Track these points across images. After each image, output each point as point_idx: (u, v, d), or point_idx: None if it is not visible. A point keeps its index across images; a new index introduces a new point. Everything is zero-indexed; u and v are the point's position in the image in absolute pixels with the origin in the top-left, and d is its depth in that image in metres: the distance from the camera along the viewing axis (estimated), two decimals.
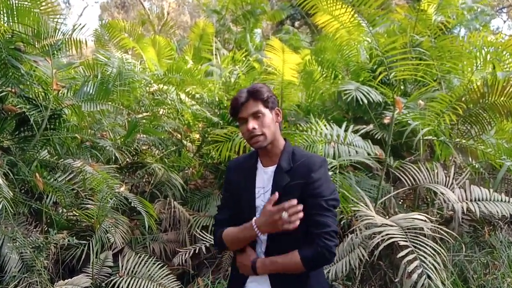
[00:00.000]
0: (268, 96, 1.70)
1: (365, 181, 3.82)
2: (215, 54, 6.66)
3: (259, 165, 1.77)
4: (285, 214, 1.62)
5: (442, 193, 3.22)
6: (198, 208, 4.17)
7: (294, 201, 1.62)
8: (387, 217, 3.34)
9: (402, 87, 4.57)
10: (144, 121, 4.12)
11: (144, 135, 4.34)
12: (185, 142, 4.75)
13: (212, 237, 1.85)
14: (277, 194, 1.68)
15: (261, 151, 1.76)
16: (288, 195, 1.65)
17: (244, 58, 6.43)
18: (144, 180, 4.26)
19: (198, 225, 3.77)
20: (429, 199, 3.88)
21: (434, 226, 2.72)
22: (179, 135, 4.70)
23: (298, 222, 1.60)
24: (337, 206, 1.71)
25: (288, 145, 1.77)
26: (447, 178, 3.42)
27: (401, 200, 4.22)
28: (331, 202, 1.68)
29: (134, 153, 4.26)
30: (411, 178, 3.42)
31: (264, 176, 1.74)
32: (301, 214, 1.61)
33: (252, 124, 1.66)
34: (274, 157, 1.75)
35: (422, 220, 2.72)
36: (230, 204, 1.81)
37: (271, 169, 1.74)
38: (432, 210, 3.64)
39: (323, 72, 4.76)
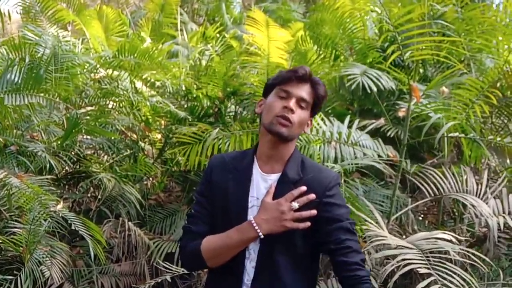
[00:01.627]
0: (323, 99, 1.81)
1: (375, 191, 3.87)
2: (181, 30, 6.68)
3: (256, 169, 1.82)
4: (295, 204, 1.71)
5: (473, 205, 3.26)
6: (161, 230, 4.17)
7: (303, 188, 1.72)
8: (403, 237, 3.37)
9: (420, 71, 4.59)
10: (88, 117, 4.09)
11: (89, 136, 4.32)
12: (142, 145, 4.74)
13: (180, 253, 1.86)
14: (273, 186, 1.77)
15: (265, 151, 1.81)
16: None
17: (218, 35, 6.44)
18: (89, 195, 4.24)
19: (160, 253, 3.77)
20: (456, 213, 3.90)
21: (463, 250, 2.76)
22: (134, 136, 4.68)
23: (309, 223, 1.71)
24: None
25: (297, 153, 1.84)
26: (479, 186, 3.45)
27: (421, 215, 4.25)
28: (352, 225, 1.77)
29: (76, 159, 4.23)
30: (433, 187, 3.46)
31: (262, 184, 1.79)
32: (314, 212, 1.72)
33: (293, 105, 1.74)
34: (278, 163, 1.81)
35: (447, 240, 2.77)
36: (207, 213, 1.84)
37: (273, 177, 1.79)
38: (461, 227, 3.69)
39: (320, 52, 4.77)
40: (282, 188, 1.76)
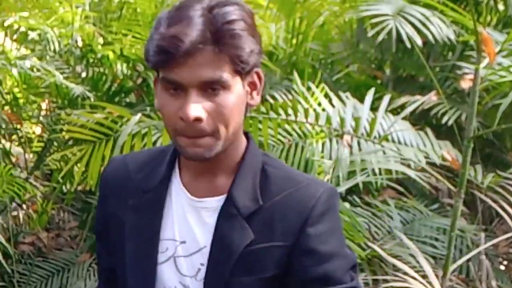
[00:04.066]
0: (251, 50, 1.69)
1: (422, 221, 3.96)
2: None
3: (178, 186, 1.78)
4: None
5: None
6: None
7: None
8: None
9: (499, 8, 4.71)
10: None
11: None
12: (6, 145, 4.77)
13: None
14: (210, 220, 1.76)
15: (190, 161, 1.77)
16: (250, 276, 1.70)
17: None
18: None
19: None
20: None
21: None
22: None
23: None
24: None
25: (253, 152, 1.80)
26: None
27: (504, 262, 4.36)
28: None
29: None
30: None
31: (190, 215, 1.76)
32: None
33: (196, 107, 1.64)
34: (220, 177, 1.77)
35: None
36: (107, 270, 1.89)
37: (212, 203, 1.76)
38: None
39: None
40: (227, 225, 1.70)
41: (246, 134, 1.81)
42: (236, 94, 1.67)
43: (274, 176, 1.75)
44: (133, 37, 4.56)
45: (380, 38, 4.04)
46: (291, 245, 1.68)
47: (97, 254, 1.99)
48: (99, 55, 4.67)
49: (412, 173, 3.57)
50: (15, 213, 4.59)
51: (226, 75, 1.63)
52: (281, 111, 3.67)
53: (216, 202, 1.73)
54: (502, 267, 4.30)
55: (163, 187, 1.78)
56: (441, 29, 4.11)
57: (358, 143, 3.65)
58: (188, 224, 1.74)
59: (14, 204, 4.52)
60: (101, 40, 4.81)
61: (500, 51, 3.53)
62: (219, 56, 1.62)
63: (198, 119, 1.61)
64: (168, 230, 1.75)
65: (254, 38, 1.68)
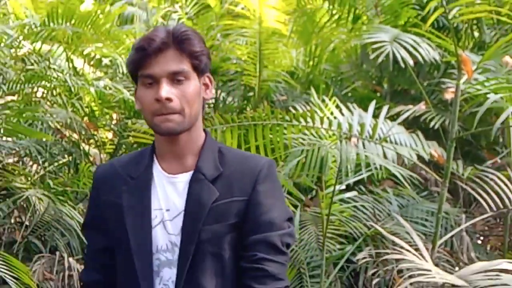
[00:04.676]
0: (202, 50, 1.96)
1: (414, 206, 4.34)
2: None
3: (158, 170, 2.01)
4: None
5: None
6: None
7: None
8: (456, 268, 3.76)
9: (475, 34, 4.98)
10: (8, 111, 4.19)
11: (9, 138, 4.47)
12: (86, 148, 4.98)
13: None
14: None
15: (164, 147, 2.01)
16: (218, 223, 1.93)
17: None
18: (12, 221, 4.41)
19: None
20: None
21: None
22: (74, 136, 4.93)
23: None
24: (292, 245, 2.02)
25: (211, 142, 2.05)
26: None
27: (481, 238, 4.70)
28: (286, 238, 1.95)
29: None
30: (496, 198, 3.70)
31: (169, 189, 1.99)
32: None
33: (166, 90, 1.88)
34: (187, 159, 2.00)
35: None
36: (97, 252, 2.08)
37: (184, 177, 1.98)
38: None
39: (334, 12, 5.09)
40: (197, 188, 1.94)
41: (204, 130, 2.03)
42: (194, 84, 1.93)
43: (228, 154, 2.01)
44: None
45: (379, 59, 4.36)
46: (247, 199, 1.93)
47: (88, 241, 2.13)
48: None
49: (395, 170, 3.84)
50: None
51: (187, 68, 1.90)
52: (301, 119, 3.96)
53: (187, 176, 1.95)
54: (479, 242, 4.59)
55: (147, 172, 1.98)
56: (428, 52, 4.45)
57: (363, 144, 3.89)
58: (168, 196, 1.97)
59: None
60: None
61: (476, 69, 3.81)
62: (180, 54, 1.91)
63: (168, 99, 1.86)
64: (155, 202, 1.95)
65: (204, 46, 1.97)
